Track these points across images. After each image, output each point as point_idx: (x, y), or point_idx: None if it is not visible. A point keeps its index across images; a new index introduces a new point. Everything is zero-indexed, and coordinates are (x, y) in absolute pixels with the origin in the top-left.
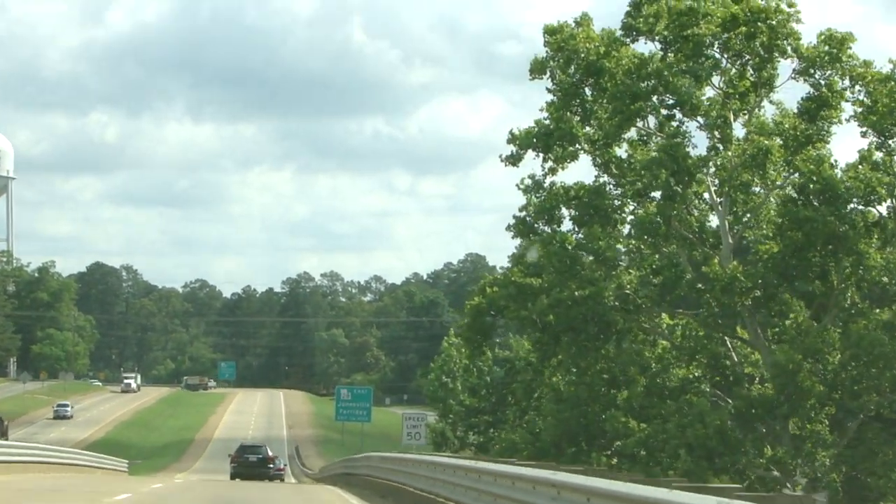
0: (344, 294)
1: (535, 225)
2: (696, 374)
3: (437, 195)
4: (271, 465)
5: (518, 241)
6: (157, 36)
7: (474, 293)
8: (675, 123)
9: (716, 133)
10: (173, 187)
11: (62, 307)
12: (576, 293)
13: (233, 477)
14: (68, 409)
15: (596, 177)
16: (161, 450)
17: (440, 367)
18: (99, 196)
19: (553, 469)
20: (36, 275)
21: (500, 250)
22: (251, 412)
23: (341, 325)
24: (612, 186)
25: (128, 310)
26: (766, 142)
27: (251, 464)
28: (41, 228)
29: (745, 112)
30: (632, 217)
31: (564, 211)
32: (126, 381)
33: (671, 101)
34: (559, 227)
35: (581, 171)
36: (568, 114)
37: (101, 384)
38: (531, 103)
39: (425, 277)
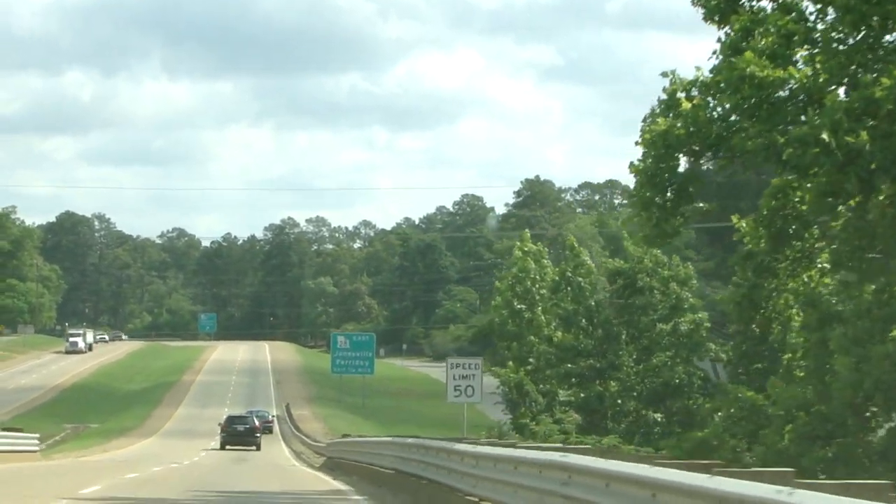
0: (331, 241)
1: None
2: None
3: (417, 150)
4: (258, 434)
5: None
6: None
7: (655, 114)
8: None
9: None
10: (151, 146)
11: (24, 256)
12: None
13: (223, 445)
14: (80, 341)
15: None
16: (124, 408)
17: (509, 288)
18: (76, 156)
19: None
20: None
21: (496, 195)
22: (232, 367)
23: (329, 273)
24: None
25: (101, 261)
26: None
27: (239, 433)
28: (16, 191)
29: None
30: None
31: None
32: (72, 339)
33: None
34: None
35: None
36: None
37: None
38: (509, 57)
39: (417, 222)
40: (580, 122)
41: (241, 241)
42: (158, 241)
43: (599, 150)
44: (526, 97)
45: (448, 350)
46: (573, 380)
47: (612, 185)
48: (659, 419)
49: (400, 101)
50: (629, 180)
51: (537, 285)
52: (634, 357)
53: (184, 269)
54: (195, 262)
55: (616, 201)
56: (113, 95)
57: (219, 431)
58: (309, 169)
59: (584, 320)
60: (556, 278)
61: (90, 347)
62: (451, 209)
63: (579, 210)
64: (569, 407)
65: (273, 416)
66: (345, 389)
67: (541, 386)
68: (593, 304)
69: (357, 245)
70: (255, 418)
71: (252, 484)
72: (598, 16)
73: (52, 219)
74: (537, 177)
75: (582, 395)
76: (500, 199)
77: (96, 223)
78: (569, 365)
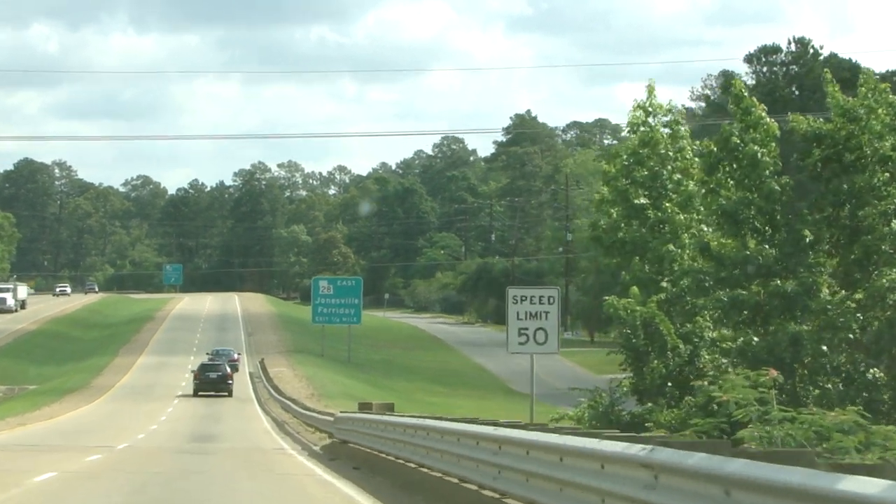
0: (304, 187)
1: None
2: None
3: (387, 102)
4: (230, 381)
5: None
6: None
7: None
8: None
9: None
10: (118, 99)
11: None
12: None
13: (196, 392)
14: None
15: None
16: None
17: (622, 171)
18: (42, 109)
19: None
20: None
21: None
22: (198, 319)
23: (303, 221)
24: None
25: (61, 211)
26: None
27: (212, 380)
28: None
29: None
30: None
31: None
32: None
33: None
34: None
35: None
36: None
37: (32, 291)
38: (478, 8)
39: (394, 168)
40: (552, 72)
41: (209, 189)
42: (122, 189)
43: (572, 101)
44: (496, 47)
45: (431, 301)
46: (741, 315)
47: (601, 124)
48: (880, 378)
49: (369, 53)
50: (619, 119)
51: (671, 166)
52: (841, 276)
53: (149, 218)
54: (160, 211)
55: (606, 141)
56: (80, 48)
57: (192, 379)
58: (278, 120)
59: (756, 216)
60: (714, 148)
61: (23, 305)
62: (431, 153)
63: (572, 149)
64: (738, 358)
65: (238, 355)
66: (327, 342)
67: (681, 327)
68: (777, 189)
69: (332, 192)
70: (226, 366)
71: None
72: None
73: (10, 167)
74: (528, 111)
75: (755, 339)
76: (480, 144)
77: (57, 171)
78: (740, 292)
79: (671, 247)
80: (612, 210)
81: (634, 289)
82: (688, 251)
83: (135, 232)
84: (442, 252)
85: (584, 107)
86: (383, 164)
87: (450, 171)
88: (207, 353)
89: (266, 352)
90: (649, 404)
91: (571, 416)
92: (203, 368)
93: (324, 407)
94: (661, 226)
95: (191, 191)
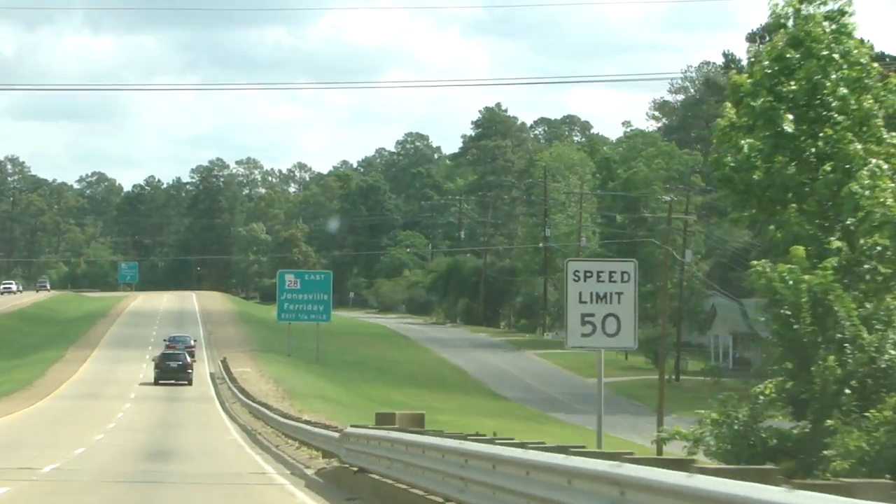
0: (263, 184)
1: None
2: None
3: (343, 105)
4: (190, 371)
5: None
6: None
7: None
8: None
9: None
10: (74, 101)
11: None
12: None
13: (156, 380)
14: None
15: None
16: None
17: (765, 91)
18: None
19: None
20: None
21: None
22: (154, 317)
23: (262, 219)
24: None
25: (13, 207)
26: None
27: (172, 370)
28: None
29: None
30: None
31: None
32: None
33: None
34: None
35: None
36: None
37: None
38: (434, 11)
39: (356, 166)
40: (508, 75)
41: (165, 186)
42: (77, 186)
43: (529, 105)
44: (452, 51)
45: (396, 301)
46: None
47: (570, 120)
48: None
49: (325, 56)
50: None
51: (836, 75)
52: None
53: (104, 215)
54: (116, 208)
55: (576, 138)
56: (35, 49)
57: (153, 367)
58: (235, 124)
59: None
60: None
61: None
62: (394, 149)
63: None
64: None
65: (194, 341)
66: (293, 342)
67: (859, 308)
68: None
69: (292, 189)
70: (186, 355)
71: None
72: None
73: None
74: (498, 105)
75: None
76: (444, 142)
77: (9, 166)
78: None
79: (856, 187)
80: (744, 140)
81: (800, 249)
82: (882, 193)
83: (89, 229)
84: (407, 251)
85: (541, 110)
86: (344, 163)
87: (413, 168)
88: (164, 340)
89: (227, 350)
90: (805, 420)
91: (686, 436)
92: (164, 357)
93: (298, 412)
94: (825, 160)
95: (147, 188)
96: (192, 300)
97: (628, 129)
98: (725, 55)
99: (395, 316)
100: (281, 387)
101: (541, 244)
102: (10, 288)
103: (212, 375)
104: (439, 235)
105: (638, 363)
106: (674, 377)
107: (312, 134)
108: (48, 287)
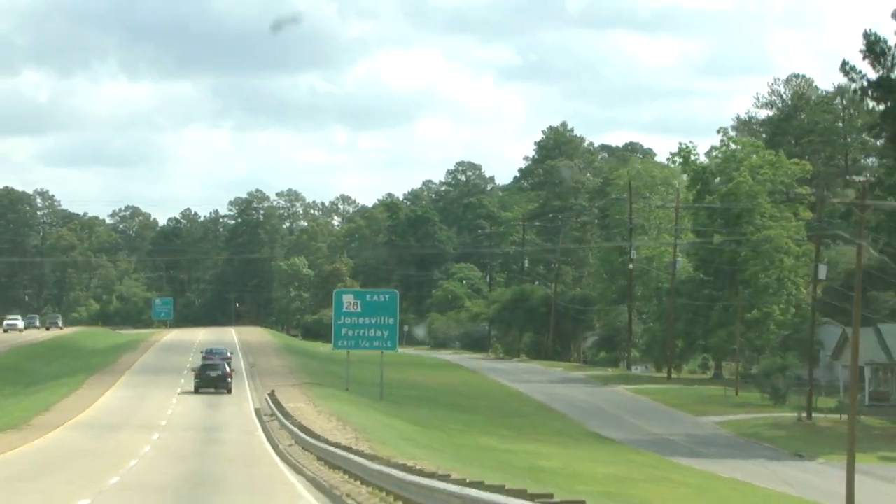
0: (305, 217)
1: None
2: None
3: (378, 150)
4: (230, 380)
5: None
6: None
7: None
8: None
9: None
10: (109, 147)
11: None
12: None
13: (196, 389)
14: (18, 322)
15: None
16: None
17: None
18: (32, 156)
19: None
20: None
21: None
22: (189, 347)
23: (304, 253)
24: None
25: (43, 242)
26: None
27: (212, 378)
28: None
29: None
30: None
31: None
32: None
33: None
34: None
35: None
36: None
37: None
38: (468, 56)
39: (401, 199)
40: (542, 120)
41: (202, 219)
42: (109, 220)
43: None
44: (486, 96)
45: (451, 338)
46: None
47: (632, 147)
48: None
49: (360, 101)
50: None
51: None
52: None
53: (137, 251)
54: (150, 242)
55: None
56: (70, 96)
57: (193, 377)
58: (270, 168)
59: None
60: None
61: None
62: (445, 179)
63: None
64: None
65: (230, 354)
66: (352, 376)
67: None
68: None
69: (336, 222)
70: (226, 365)
71: None
72: (557, 14)
73: None
74: (563, 124)
75: None
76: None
77: (38, 200)
78: None
79: None
80: None
81: None
82: None
83: (122, 265)
84: (462, 283)
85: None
86: (389, 195)
87: (465, 199)
88: (201, 352)
89: (272, 383)
90: None
91: None
92: (204, 367)
93: (387, 455)
94: None
95: (182, 220)
96: (231, 334)
97: (723, 137)
98: (866, 35)
99: (449, 352)
100: (348, 426)
101: (629, 265)
102: (14, 325)
103: (257, 412)
104: (496, 267)
105: (751, 399)
106: (804, 415)
107: (354, 173)
108: (60, 325)
